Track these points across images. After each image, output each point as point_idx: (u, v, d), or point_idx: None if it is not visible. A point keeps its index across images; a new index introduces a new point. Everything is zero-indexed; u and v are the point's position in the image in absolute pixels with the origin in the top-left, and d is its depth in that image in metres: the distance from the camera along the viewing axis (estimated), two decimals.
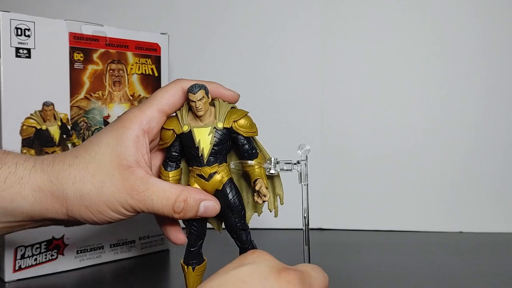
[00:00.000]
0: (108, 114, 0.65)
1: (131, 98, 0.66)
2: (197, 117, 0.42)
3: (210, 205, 0.42)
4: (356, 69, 0.83)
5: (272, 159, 0.43)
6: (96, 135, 0.43)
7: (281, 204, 0.45)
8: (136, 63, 0.67)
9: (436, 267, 0.63)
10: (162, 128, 0.44)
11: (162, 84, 0.69)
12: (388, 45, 0.83)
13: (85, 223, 0.43)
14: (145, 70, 0.68)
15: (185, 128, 0.42)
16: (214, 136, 0.42)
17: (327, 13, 0.84)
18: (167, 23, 0.84)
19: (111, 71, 0.64)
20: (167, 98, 0.44)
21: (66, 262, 0.61)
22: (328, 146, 0.83)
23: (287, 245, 0.71)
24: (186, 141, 0.43)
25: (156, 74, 0.69)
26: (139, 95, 0.67)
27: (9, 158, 0.42)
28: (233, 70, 0.85)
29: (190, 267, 0.44)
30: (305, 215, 0.44)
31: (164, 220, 0.46)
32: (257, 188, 0.42)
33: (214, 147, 0.42)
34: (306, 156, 0.43)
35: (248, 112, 0.43)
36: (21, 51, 0.57)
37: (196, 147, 0.42)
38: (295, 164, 0.43)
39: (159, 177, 0.44)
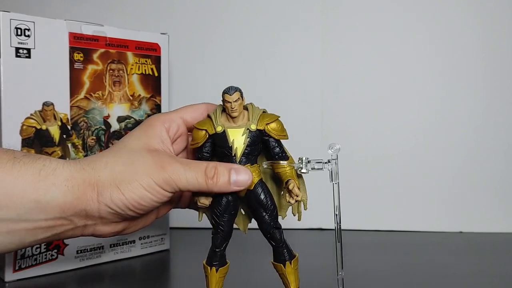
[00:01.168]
0: (108, 114, 0.65)
1: (131, 98, 0.66)
2: (231, 118, 0.44)
3: (241, 170, 0.42)
4: (356, 69, 0.83)
5: (303, 158, 0.44)
6: (123, 137, 0.46)
7: (305, 209, 0.47)
8: (136, 63, 0.67)
9: (436, 267, 0.63)
10: (195, 128, 0.45)
11: (162, 84, 0.69)
12: (388, 45, 0.83)
13: (116, 212, 0.42)
14: (145, 70, 0.68)
15: (219, 129, 0.43)
16: (248, 137, 0.43)
17: (327, 13, 0.84)
18: (167, 23, 0.84)
19: (111, 71, 0.64)
20: (191, 111, 0.48)
21: (66, 262, 0.61)
22: (327, 146, 0.83)
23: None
24: (219, 141, 0.43)
25: (156, 74, 0.69)
26: (139, 95, 0.67)
27: (42, 156, 0.43)
28: (233, 70, 0.85)
29: (213, 268, 0.44)
30: (337, 212, 0.46)
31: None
32: (290, 187, 0.43)
33: (247, 148, 0.43)
34: (337, 155, 0.44)
35: (279, 117, 0.45)
36: (21, 51, 0.57)
37: (230, 147, 0.43)
38: (325, 163, 0.44)
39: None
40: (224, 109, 0.44)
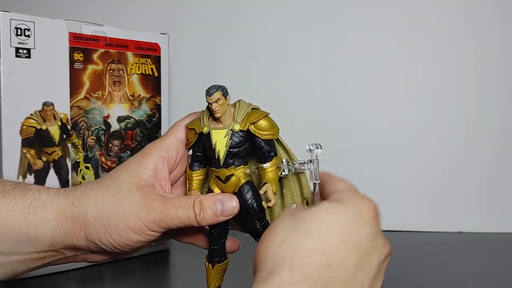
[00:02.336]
0: (108, 114, 0.65)
1: (131, 98, 0.66)
2: (215, 119, 0.42)
3: (225, 200, 0.42)
4: (356, 69, 0.83)
5: (284, 160, 0.42)
6: (117, 166, 0.45)
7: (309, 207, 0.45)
8: (136, 63, 0.67)
9: (436, 267, 0.63)
10: (186, 127, 0.44)
11: (162, 84, 0.69)
12: (388, 44, 0.83)
13: (104, 250, 0.42)
14: (145, 70, 0.68)
15: (205, 129, 0.42)
16: (230, 139, 0.41)
17: (327, 13, 0.83)
18: (167, 23, 0.84)
19: (111, 71, 0.64)
20: (183, 126, 0.45)
21: None
22: (328, 146, 0.83)
23: None
24: (205, 143, 0.42)
25: (156, 74, 0.69)
26: (139, 95, 0.67)
27: (33, 186, 0.42)
28: (233, 70, 0.85)
29: (210, 264, 0.44)
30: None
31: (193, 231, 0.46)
32: (261, 191, 0.41)
33: (230, 149, 0.41)
34: (317, 155, 0.43)
35: (268, 114, 0.42)
36: (21, 51, 0.57)
37: (213, 149, 0.42)
38: (306, 163, 0.43)
39: (187, 181, 0.45)
40: None
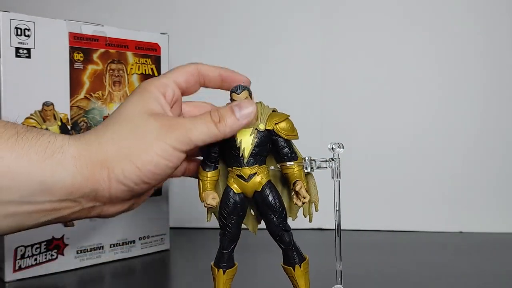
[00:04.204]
0: (108, 114, 0.65)
1: None
2: None
3: (242, 104, 0.42)
4: (356, 69, 0.83)
5: (307, 157, 0.44)
6: (119, 105, 0.43)
7: (316, 211, 0.46)
8: (136, 63, 0.67)
9: (436, 267, 0.63)
10: None
11: None
12: (388, 44, 0.83)
13: (129, 187, 0.40)
14: (145, 70, 0.68)
15: None
16: (256, 137, 0.42)
17: (328, 13, 0.84)
18: (167, 23, 0.84)
19: (111, 71, 0.64)
20: (183, 73, 0.46)
21: (66, 262, 0.61)
22: (327, 146, 0.83)
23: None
24: (227, 142, 0.43)
25: (156, 74, 0.69)
26: None
27: (46, 131, 0.40)
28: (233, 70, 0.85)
29: (220, 270, 0.43)
30: (337, 208, 0.48)
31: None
32: (297, 189, 0.42)
33: (255, 148, 0.42)
34: (338, 154, 0.45)
35: (289, 116, 0.44)
36: (21, 51, 0.57)
37: (237, 147, 0.42)
38: (328, 161, 0.45)
39: (197, 177, 0.44)
40: None
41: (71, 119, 0.61)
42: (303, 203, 0.43)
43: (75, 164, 0.38)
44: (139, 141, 0.39)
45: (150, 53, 0.68)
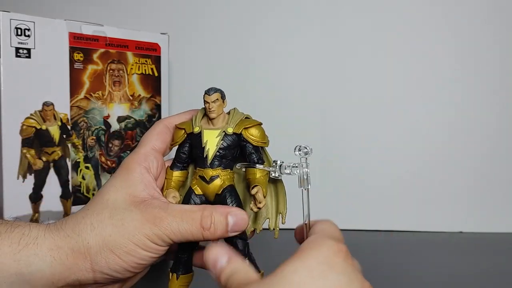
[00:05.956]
0: (108, 114, 0.65)
1: (131, 98, 0.66)
2: (210, 119, 0.43)
3: (238, 214, 0.40)
4: (356, 69, 0.83)
5: (278, 161, 0.42)
6: (101, 188, 0.42)
7: (283, 223, 0.44)
8: (136, 63, 0.67)
9: (436, 267, 0.63)
10: (176, 127, 0.44)
11: (162, 84, 0.69)
12: (388, 44, 0.83)
13: (115, 277, 0.39)
14: (145, 70, 0.68)
15: (196, 129, 0.43)
16: (222, 140, 0.42)
17: (328, 13, 0.83)
18: (167, 23, 0.84)
19: (111, 71, 0.64)
20: (156, 135, 0.44)
21: None
22: (328, 146, 0.83)
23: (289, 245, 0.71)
24: (195, 142, 0.43)
25: (156, 74, 0.69)
26: (139, 95, 0.67)
27: (21, 222, 0.39)
28: (233, 70, 0.85)
29: (174, 275, 0.43)
30: (306, 222, 0.40)
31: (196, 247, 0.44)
32: (253, 192, 0.41)
33: (220, 150, 0.42)
34: (306, 158, 0.40)
35: (261, 123, 0.43)
36: (21, 51, 0.57)
37: (202, 148, 0.42)
38: (294, 167, 0.41)
39: (165, 180, 0.44)
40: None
41: (71, 119, 0.61)
42: (258, 208, 0.41)
43: (53, 255, 0.37)
44: (122, 234, 0.38)
45: (150, 53, 0.68)
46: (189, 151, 0.44)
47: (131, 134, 0.67)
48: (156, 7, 0.86)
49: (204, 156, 0.42)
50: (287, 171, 0.41)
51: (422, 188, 0.82)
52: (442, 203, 0.82)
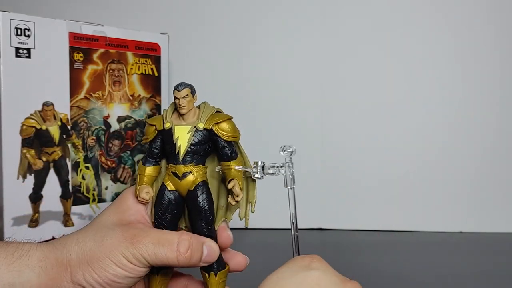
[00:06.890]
0: (108, 114, 0.65)
1: (131, 98, 0.66)
2: (180, 115, 0.43)
3: (213, 246, 0.41)
4: (357, 69, 0.83)
5: (259, 162, 0.42)
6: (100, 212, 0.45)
7: (252, 212, 0.44)
8: (136, 63, 0.67)
9: (436, 267, 0.63)
10: (147, 123, 0.44)
11: (162, 84, 0.69)
12: (388, 44, 0.83)
13: None
14: (145, 70, 0.68)
15: (167, 125, 0.43)
16: (193, 136, 0.42)
17: (328, 13, 0.84)
18: (167, 23, 0.84)
19: (111, 71, 0.64)
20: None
21: None
22: (328, 146, 0.83)
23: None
24: (166, 138, 0.43)
25: (156, 74, 0.69)
26: (139, 95, 0.67)
27: (16, 241, 0.41)
28: (233, 70, 0.85)
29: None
30: (293, 221, 0.41)
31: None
32: (229, 186, 0.41)
33: (191, 146, 0.42)
34: (291, 158, 0.41)
35: (232, 117, 0.43)
36: (21, 51, 0.57)
37: (174, 144, 0.42)
38: (279, 167, 0.41)
39: (138, 176, 0.44)
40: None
41: (71, 119, 0.61)
42: (236, 201, 0.42)
43: (40, 265, 0.39)
44: (100, 249, 0.39)
45: (150, 53, 0.68)
46: (161, 146, 0.44)
47: (131, 134, 0.67)
48: (156, 7, 0.86)
49: (176, 152, 0.42)
50: (271, 171, 0.41)
51: (422, 188, 0.82)
52: (442, 203, 0.82)
